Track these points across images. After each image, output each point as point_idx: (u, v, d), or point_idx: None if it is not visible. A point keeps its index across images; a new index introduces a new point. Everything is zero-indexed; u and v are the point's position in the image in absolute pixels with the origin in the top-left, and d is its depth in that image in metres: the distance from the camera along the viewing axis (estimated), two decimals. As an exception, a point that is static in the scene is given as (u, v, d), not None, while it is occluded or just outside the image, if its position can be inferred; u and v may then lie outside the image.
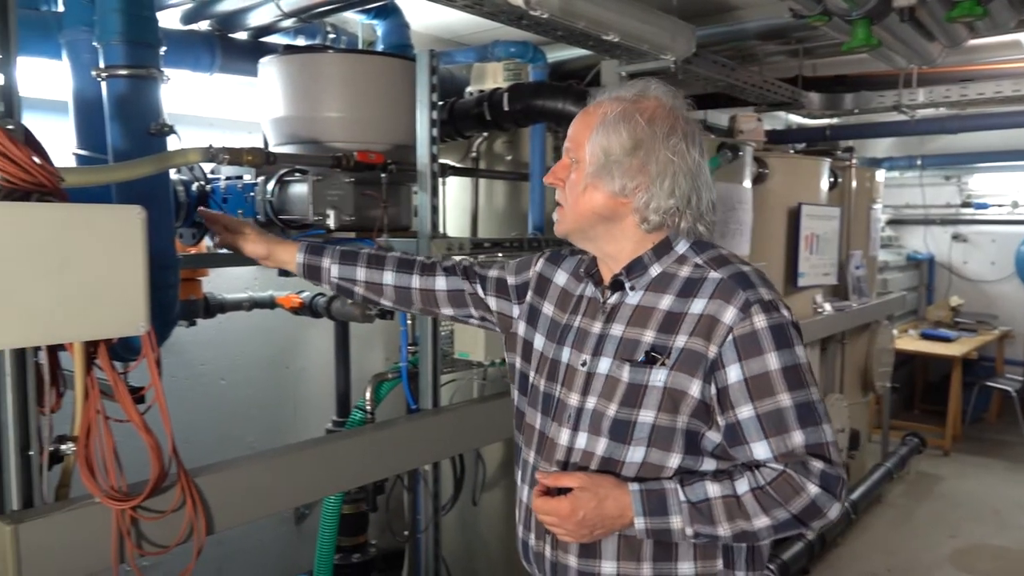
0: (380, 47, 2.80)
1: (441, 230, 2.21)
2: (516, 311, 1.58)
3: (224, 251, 2.33)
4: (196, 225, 2.27)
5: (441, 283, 1.64)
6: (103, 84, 1.81)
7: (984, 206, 7.15)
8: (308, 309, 2.72)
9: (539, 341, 1.51)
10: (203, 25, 2.52)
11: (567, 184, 1.39)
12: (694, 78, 2.96)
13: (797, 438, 1.24)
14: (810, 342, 4.25)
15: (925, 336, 6.48)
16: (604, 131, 1.32)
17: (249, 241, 1.69)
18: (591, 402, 1.36)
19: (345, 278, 1.65)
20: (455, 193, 3.05)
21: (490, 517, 3.11)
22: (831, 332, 4.41)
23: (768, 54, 3.56)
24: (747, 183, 3.53)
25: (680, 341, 1.29)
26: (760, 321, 1.26)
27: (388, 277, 1.65)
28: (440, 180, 2.19)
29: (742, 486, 1.25)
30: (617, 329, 1.36)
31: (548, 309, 1.52)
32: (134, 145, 1.79)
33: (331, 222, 1.99)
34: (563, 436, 1.39)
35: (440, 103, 2.15)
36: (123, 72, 1.77)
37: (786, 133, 5.06)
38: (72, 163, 1.96)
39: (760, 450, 1.26)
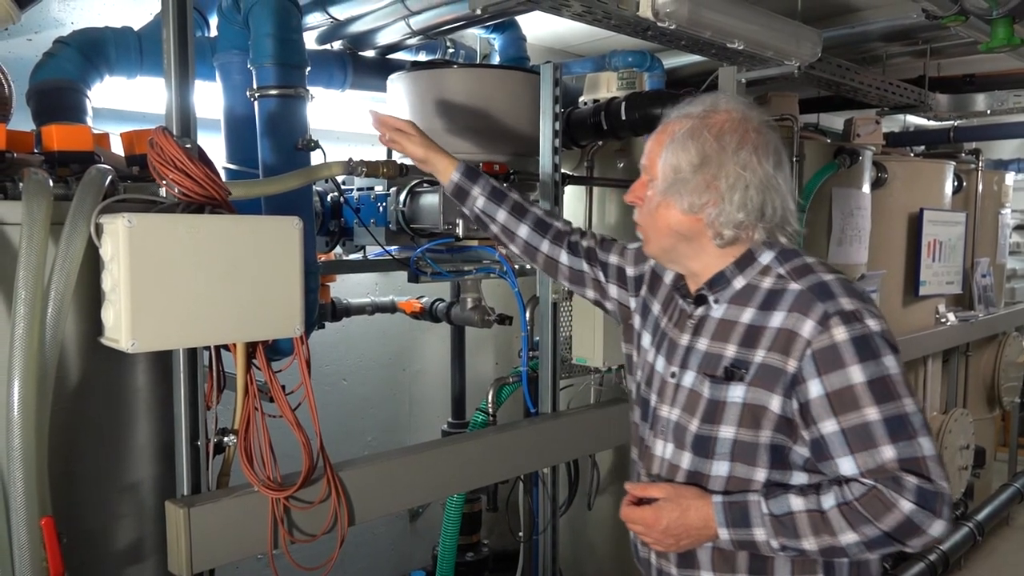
0: (497, 59, 2.88)
1: (561, 238, 2.25)
2: (633, 303, 1.61)
3: (354, 257, 2.46)
4: (330, 234, 2.41)
5: (564, 258, 1.70)
6: (255, 103, 1.95)
7: (1123, 210, 6.61)
8: (428, 314, 2.82)
9: (646, 340, 1.53)
10: (336, 44, 2.67)
11: (644, 202, 1.40)
12: (815, 82, 2.89)
13: (887, 453, 1.20)
14: (932, 354, 4.07)
15: (1058, 349, 6.05)
16: (673, 149, 1.33)
17: (411, 142, 1.73)
18: (676, 414, 1.39)
19: (487, 213, 1.72)
20: (569, 201, 3.09)
21: (600, 522, 3.13)
22: (954, 344, 4.20)
23: (891, 55, 3.43)
24: (866, 188, 3.42)
25: (759, 356, 1.29)
26: (840, 333, 1.23)
27: (523, 230, 1.71)
28: (560, 188, 2.24)
29: (828, 501, 1.23)
30: (702, 343, 1.37)
31: (656, 308, 1.53)
32: (283, 159, 1.93)
33: (460, 231, 2.07)
34: (658, 447, 1.43)
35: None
36: (274, 92, 1.92)
37: (906, 135, 4.85)
38: (222, 176, 2.11)
39: (846, 465, 1.23)
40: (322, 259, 2.49)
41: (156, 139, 1.41)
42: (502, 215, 1.71)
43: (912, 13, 2.57)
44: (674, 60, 3.20)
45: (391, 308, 2.93)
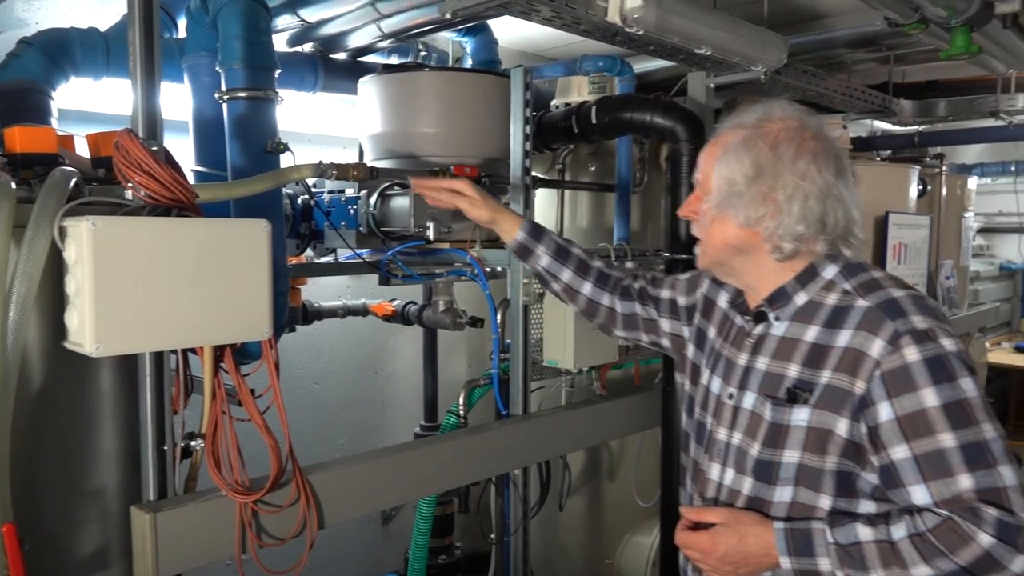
0: (469, 63, 2.89)
1: (532, 241, 2.26)
2: (687, 332, 1.57)
3: (325, 259, 2.46)
4: (300, 236, 2.40)
5: (619, 306, 1.69)
6: (224, 105, 1.94)
7: (1084, 214, 6.80)
8: (400, 317, 2.82)
9: (702, 365, 1.48)
10: (307, 47, 2.66)
11: (700, 216, 1.36)
12: (782, 88, 2.94)
13: (964, 482, 1.13)
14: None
15: (1019, 349, 6.20)
16: (726, 161, 1.29)
17: (475, 206, 1.72)
18: (736, 438, 1.34)
19: (551, 272, 1.72)
20: (541, 205, 3.11)
21: (572, 523, 3.14)
22: (920, 344, 4.27)
23: (857, 61, 3.50)
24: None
25: (824, 377, 1.23)
26: (912, 354, 1.17)
27: (586, 288, 1.70)
28: (531, 192, 2.25)
29: (899, 531, 1.16)
30: (762, 362, 1.32)
31: (712, 333, 1.49)
32: (252, 162, 1.92)
33: (431, 234, 2.08)
34: (713, 470, 1.38)
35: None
36: (243, 94, 1.91)
37: (872, 140, 4.94)
38: (190, 179, 2.10)
39: (919, 494, 1.16)
40: (292, 262, 2.47)
41: (122, 141, 1.40)
42: (566, 275, 1.71)
43: (876, 21, 2.61)
44: (645, 65, 3.23)
45: (363, 311, 2.93)
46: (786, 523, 1.24)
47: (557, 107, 2.91)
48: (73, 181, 1.39)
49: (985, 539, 1.11)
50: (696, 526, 1.33)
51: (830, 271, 1.31)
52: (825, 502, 1.24)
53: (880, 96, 3.48)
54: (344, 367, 3.36)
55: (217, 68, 1.94)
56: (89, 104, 2.40)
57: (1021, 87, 3.83)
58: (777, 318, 1.33)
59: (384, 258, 2.13)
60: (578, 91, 2.93)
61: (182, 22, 2.23)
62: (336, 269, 2.41)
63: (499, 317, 2.29)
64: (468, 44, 2.88)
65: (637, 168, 2.90)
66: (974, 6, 2.24)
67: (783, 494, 1.27)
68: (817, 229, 1.26)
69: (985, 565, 1.12)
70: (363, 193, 2.23)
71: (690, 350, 1.54)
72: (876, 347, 1.19)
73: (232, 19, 1.88)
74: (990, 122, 4.28)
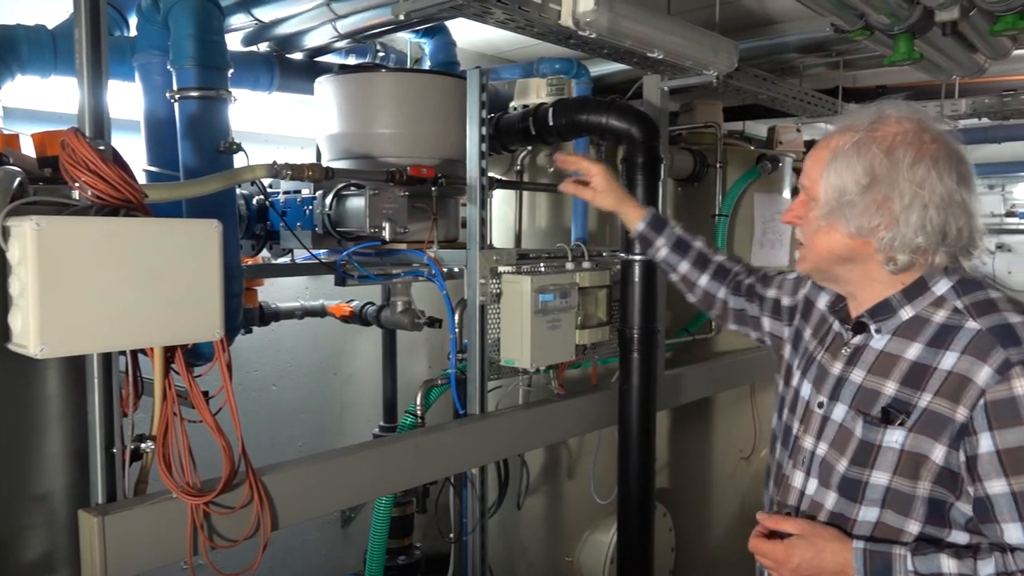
0: (427, 64, 2.90)
1: (488, 242, 2.28)
2: (786, 332, 1.54)
3: (282, 260, 2.45)
4: (256, 237, 2.38)
5: (732, 301, 1.72)
6: (176, 105, 1.93)
7: (1029, 216, 7.06)
8: (358, 318, 2.82)
9: (796, 367, 1.44)
10: (262, 47, 2.64)
11: (804, 222, 1.29)
12: (734, 91, 3.00)
13: None
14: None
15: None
16: (836, 167, 1.20)
17: (599, 199, 1.83)
18: (822, 449, 1.28)
19: (669, 263, 1.80)
20: (499, 206, 3.12)
21: (531, 522, 3.17)
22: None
23: (808, 66, 3.58)
24: (786, 193, 3.55)
25: (924, 400, 1.16)
26: (1022, 386, 1.09)
27: (703, 280, 1.76)
28: (488, 193, 2.27)
29: (986, 568, 1.10)
30: (857, 375, 1.26)
31: (808, 334, 1.44)
32: (204, 162, 1.91)
33: (386, 234, 2.08)
34: (797, 478, 1.33)
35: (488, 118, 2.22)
36: (195, 94, 1.89)
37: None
38: (142, 179, 2.08)
39: (1014, 533, 1.10)
40: (248, 263, 2.46)
41: (68, 140, 1.38)
42: (684, 266, 1.77)
43: (825, 27, 2.68)
44: (602, 68, 3.28)
45: (321, 312, 2.92)
46: (867, 543, 1.19)
47: (515, 109, 2.93)
48: (17, 180, 1.38)
49: None
50: (772, 534, 1.28)
51: (942, 286, 1.22)
52: (913, 527, 1.18)
53: (830, 100, 3.57)
54: (302, 368, 3.34)
55: (169, 67, 1.92)
56: (36, 103, 2.36)
57: (964, 93, 3.95)
58: (878, 331, 1.26)
59: (340, 259, 2.13)
60: (536, 93, 2.95)
61: (134, 20, 2.20)
62: (291, 270, 2.40)
63: (456, 317, 2.30)
64: (427, 45, 2.89)
65: (594, 169, 2.94)
66: (915, 14, 2.31)
67: (868, 514, 1.21)
68: (937, 240, 1.18)
69: None
70: (319, 194, 2.22)
71: (787, 350, 1.51)
72: (983, 374, 1.12)
73: (183, 17, 1.87)
74: (937, 126, 4.39)
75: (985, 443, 1.11)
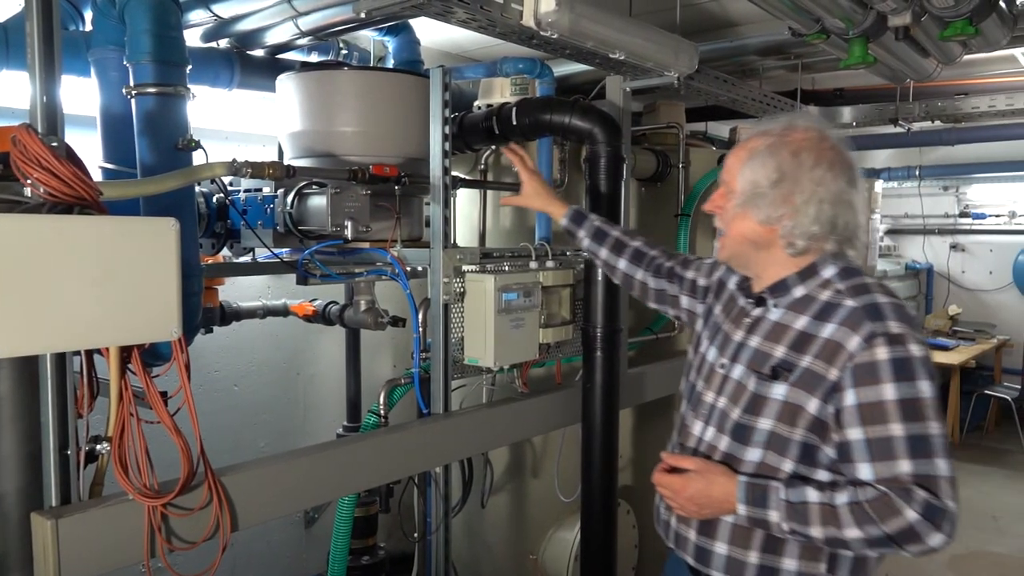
0: (391, 62, 2.88)
1: (452, 240, 2.28)
2: (700, 309, 1.77)
3: (243, 259, 2.42)
4: (216, 236, 2.35)
5: (651, 282, 1.93)
6: (132, 101, 1.90)
7: (982, 216, 7.23)
8: (321, 317, 2.79)
9: (704, 336, 1.66)
10: (222, 43, 2.61)
11: (723, 211, 1.52)
12: (695, 92, 3.04)
13: (904, 466, 1.29)
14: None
15: (924, 345, 6.53)
16: (752, 165, 1.44)
17: (525, 201, 2.12)
18: (721, 402, 1.51)
19: (592, 251, 2.04)
20: (463, 205, 3.13)
21: (496, 520, 3.17)
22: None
23: (768, 68, 3.64)
24: (747, 194, 3.60)
25: (805, 361, 1.39)
26: (882, 353, 1.32)
27: (621, 263, 1.98)
28: (451, 192, 2.27)
29: (841, 498, 1.32)
30: (754, 341, 1.49)
31: (718, 310, 1.67)
32: (162, 160, 1.88)
33: (348, 233, 2.07)
34: (696, 427, 1.56)
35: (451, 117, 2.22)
36: (152, 90, 1.87)
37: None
38: (98, 176, 2.04)
39: (864, 470, 1.33)
40: (208, 261, 2.43)
41: (19, 136, 1.36)
42: (604, 252, 2.01)
43: (783, 30, 2.74)
44: (566, 68, 3.29)
45: (283, 311, 2.89)
46: (749, 477, 1.42)
47: (480, 108, 2.93)
48: (-34, 177, 1.35)
49: (911, 515, 1.27)
50: (672, 470, 1.51)
51: (829, 271, 1.46)
52: (788, 466, 1.41)
53: (788, 102, 3.63)
54: (265, 368, 3.31)
55: (125, 63, 1.89)
56: (-12, 97, 2.31)
57: (917, 96, 4.06)
58: (775, 305, 1.49)
59: (301, 257, 2.11)
60: (500, 93, 2.95)
61: (89, 14, 2.16)
62: (252, 269, 2.38)
63: (420, 316, 2.30)
64: (390, 44, 2.88)
65: (558, 169, 2.95)
66: (869, 19, 2.37)
67: (753, 455, 1.44)
68: (828, 230, 1.42)
69: (907, 536, 1.29)
70: (280, 192, 2.20)
71: (699, 324, 1.73)
72: (853, 342, 1.35)
73: (140, 12, 1.84)
74: (891, 129, 4.51)
75: (849, 398, 1.34)
